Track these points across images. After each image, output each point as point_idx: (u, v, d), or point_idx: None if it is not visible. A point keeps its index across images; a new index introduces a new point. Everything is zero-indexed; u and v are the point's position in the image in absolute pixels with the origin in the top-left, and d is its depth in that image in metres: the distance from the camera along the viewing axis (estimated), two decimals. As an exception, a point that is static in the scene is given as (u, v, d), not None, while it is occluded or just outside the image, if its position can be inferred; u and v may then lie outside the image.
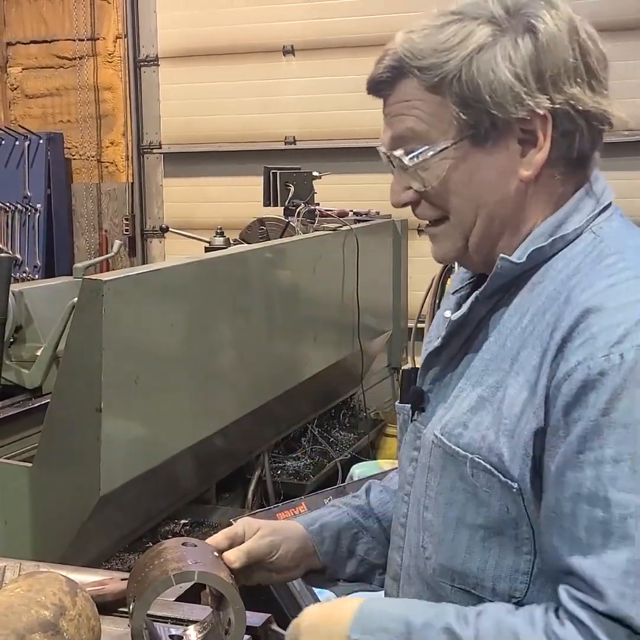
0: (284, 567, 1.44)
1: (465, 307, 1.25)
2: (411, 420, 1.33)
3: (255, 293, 3.48)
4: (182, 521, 3.40)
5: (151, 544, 3.23)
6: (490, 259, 1.24)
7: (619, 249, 1.16)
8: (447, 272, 4.19)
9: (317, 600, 2.42)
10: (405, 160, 1.21)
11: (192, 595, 1.46)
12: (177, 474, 3.11)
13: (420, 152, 1.20)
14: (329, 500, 1.79)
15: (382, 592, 1.42)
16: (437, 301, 4.20)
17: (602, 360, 1.05)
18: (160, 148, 7.52)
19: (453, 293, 1.38)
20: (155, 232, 7.61)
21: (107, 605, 1.41)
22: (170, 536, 3.33)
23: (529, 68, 1.15)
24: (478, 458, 1.16)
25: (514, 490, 1.13)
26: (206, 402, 3.08)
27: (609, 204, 1.24)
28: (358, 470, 3.59)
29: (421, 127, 1.20)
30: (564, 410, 1.07)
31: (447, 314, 1.32)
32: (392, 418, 5.26)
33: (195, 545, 1.32)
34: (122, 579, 1.40)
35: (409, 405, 1.33)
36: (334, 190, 5.11)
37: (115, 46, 7.64)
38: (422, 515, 1.25)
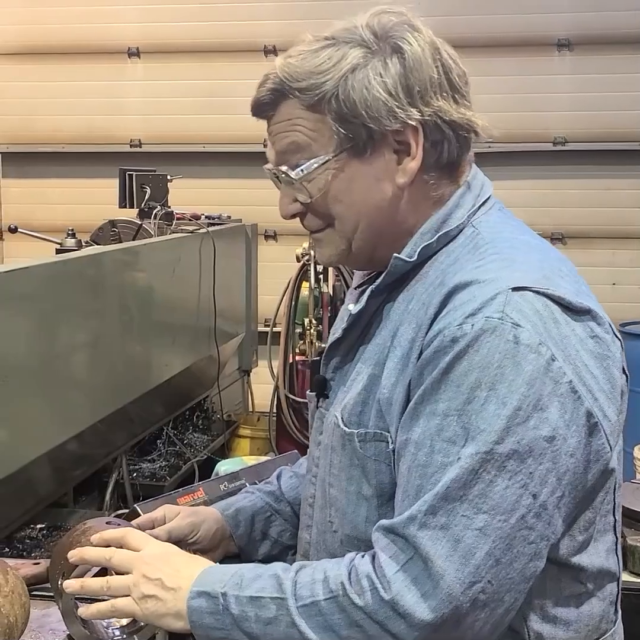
0: (204, 548, 1.52)
1: (362, 301, 1.35)
2: (317, 407, 1.42)
3: (111, 296, 3.45)
4: (39, 526, 3.34)
5: (8, 550, 3.19)
6: (374, 257, 1.35)
7: (492, 239, 1.28)
8: (302, 276, 4.30)
9: None
10: (291, 173, 1.31)
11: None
12: (34, 481, 3.04)
13: (305, 166, 1.30)
14: (224, 485, 1.86)
15: None
16: (294, 303, 4.30)
17: (455, 329, 1.17)
18: (-4, 147, 7.28)
19: (356, 288, 1.49)
20: (-7, 234, 7.36)
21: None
22: (27, 541, 3.29)
23: (399, 84, 1.26)
24: (365, 430, 1.28)
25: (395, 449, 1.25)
26: (60, 407, 3.03)
27: (488, 198, 1.35)
28: (223, 467, 3.64)
29: (304, 142, 1.30)
30: (418, 371, 1.21)
31: (351, 307, 1.42)
32: (244, 420, 5.33)
33: (119, 525, 1.38)
34: (34, 563, 1.42)
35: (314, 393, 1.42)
36: (180, 194, 5.12)
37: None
38: (328, 492, 1.35)
